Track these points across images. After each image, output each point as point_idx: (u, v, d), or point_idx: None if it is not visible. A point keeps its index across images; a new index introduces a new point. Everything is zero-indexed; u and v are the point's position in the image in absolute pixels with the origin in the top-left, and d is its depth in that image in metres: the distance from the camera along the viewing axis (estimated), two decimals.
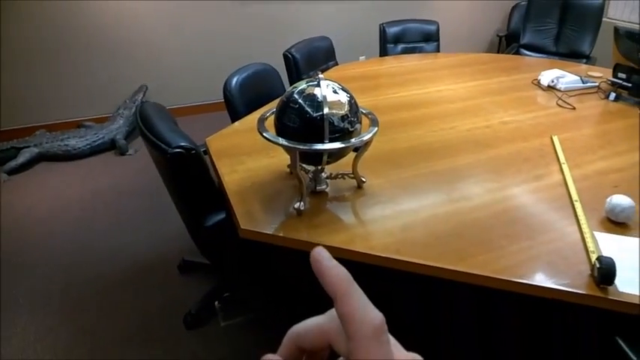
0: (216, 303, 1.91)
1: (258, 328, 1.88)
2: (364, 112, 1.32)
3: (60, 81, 3.62)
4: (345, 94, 1.20)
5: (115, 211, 2.68)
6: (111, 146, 3.45)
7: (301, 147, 1.14)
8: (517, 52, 3.65)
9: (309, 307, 0.26)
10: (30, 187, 2.96)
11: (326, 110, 1.13)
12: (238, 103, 2.05)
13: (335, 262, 0.28)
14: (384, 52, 3.30)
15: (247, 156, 1.58)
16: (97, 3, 3.51)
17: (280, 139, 1.18)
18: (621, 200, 1.21)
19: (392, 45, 3.30)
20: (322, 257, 0.28)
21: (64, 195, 2.86)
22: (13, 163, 3.08)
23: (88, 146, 3.31)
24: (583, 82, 2.29)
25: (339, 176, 1.39)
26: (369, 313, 0.26)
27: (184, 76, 4.03)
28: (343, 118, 1.16)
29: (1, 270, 2.20)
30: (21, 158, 3.11)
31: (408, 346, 0.28)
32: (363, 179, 1.38)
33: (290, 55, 2.58)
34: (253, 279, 1.87)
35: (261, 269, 1.65)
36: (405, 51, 3.30)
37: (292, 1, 4.12)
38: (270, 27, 4.13)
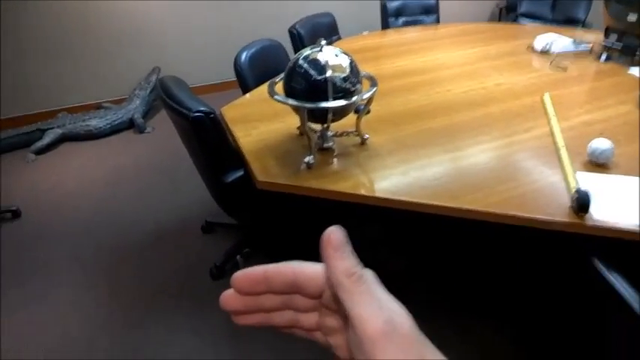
0: (238, 257, 2.09)
1: None
2: (364, 74, 1.44)
3: (78, 66, 3.81)
4: (346, 57, 1.32)
5: (137, 185, 2.86)
6: (129, 125, 3.63)
7: (308, 105, 1.28)
8: (515, 21, 3.72)
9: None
10: (56, 166, 3.14)
11: (329, 73, 1.26)
12: (248, 76, 2.18)
13: (346, 251, 0.26)
14: (385, 26, 3.38)
15: (259, 122, 1.72)
16: None
17: (290, 99, 1.31)
18: (601, 143, 1.33)
19: (393, 19, 3.38)
20: (332, 245, 0.26)
21: (88, 171, 3.05)
22: (39, 144, 3.26)
23: (109, 125, 3.48)
24: (575, 46, 2.38)
25: (344, 134, 1.52)
26: (374, 313, 0.24)
27: (193, 57, 4.20)
28: (345, 79, 1.28)
29: (34, 240, 2.39)
30: (46, 139, 3.29)
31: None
32: (366, 136, 1.51)
33: (295, 31, 2.69)
34: (271, 230, 2.01)
35: (277, 220, 1.80)
36: (406, 24, 3.38)
37: None
38: (274, 5, 4.25)
